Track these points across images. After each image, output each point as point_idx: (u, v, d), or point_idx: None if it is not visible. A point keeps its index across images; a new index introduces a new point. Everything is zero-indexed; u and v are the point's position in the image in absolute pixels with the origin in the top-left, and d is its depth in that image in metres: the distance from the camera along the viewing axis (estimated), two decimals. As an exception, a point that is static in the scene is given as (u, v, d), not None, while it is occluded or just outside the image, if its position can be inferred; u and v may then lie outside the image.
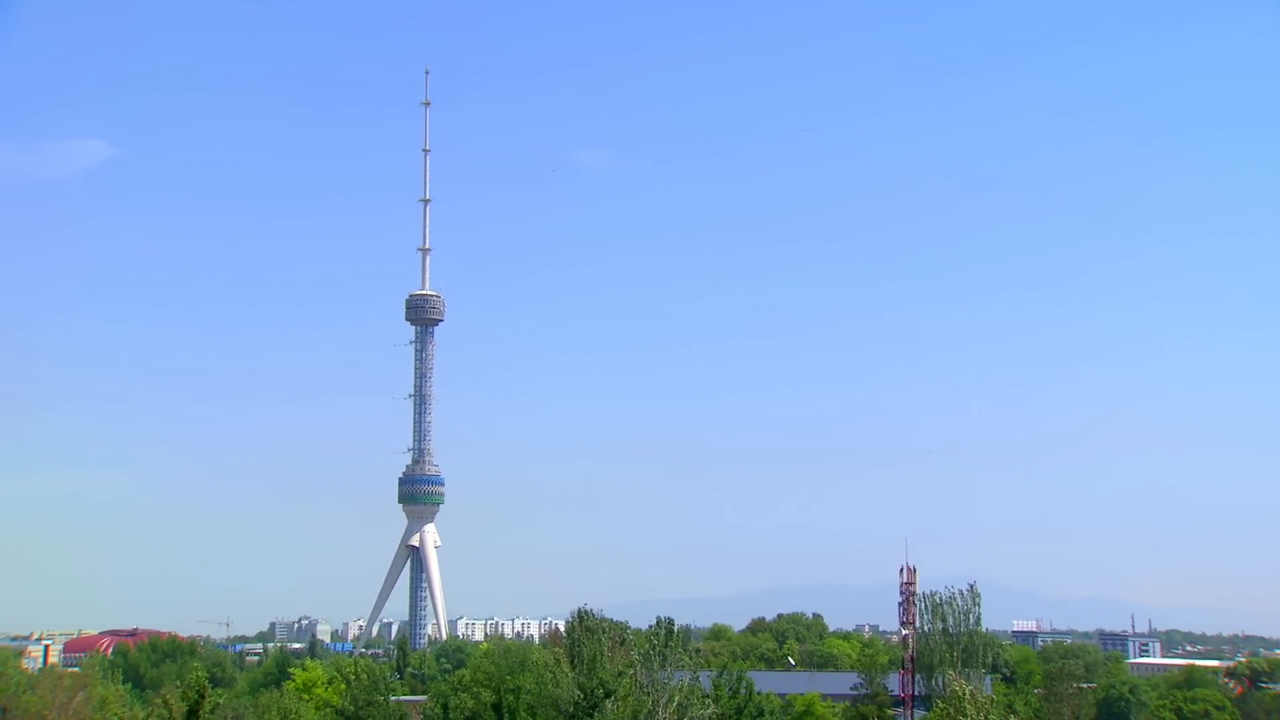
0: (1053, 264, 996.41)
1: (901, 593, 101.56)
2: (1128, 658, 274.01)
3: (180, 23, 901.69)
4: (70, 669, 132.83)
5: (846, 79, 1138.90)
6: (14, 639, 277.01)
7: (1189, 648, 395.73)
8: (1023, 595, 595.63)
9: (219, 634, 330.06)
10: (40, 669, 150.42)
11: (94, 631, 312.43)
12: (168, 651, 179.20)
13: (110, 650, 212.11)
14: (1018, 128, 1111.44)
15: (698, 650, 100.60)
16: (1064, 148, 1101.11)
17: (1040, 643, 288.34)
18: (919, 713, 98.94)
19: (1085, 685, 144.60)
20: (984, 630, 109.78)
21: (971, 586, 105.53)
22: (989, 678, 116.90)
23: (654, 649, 76.15)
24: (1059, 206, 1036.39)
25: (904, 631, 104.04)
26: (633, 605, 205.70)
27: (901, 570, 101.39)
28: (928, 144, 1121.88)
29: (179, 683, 68.78)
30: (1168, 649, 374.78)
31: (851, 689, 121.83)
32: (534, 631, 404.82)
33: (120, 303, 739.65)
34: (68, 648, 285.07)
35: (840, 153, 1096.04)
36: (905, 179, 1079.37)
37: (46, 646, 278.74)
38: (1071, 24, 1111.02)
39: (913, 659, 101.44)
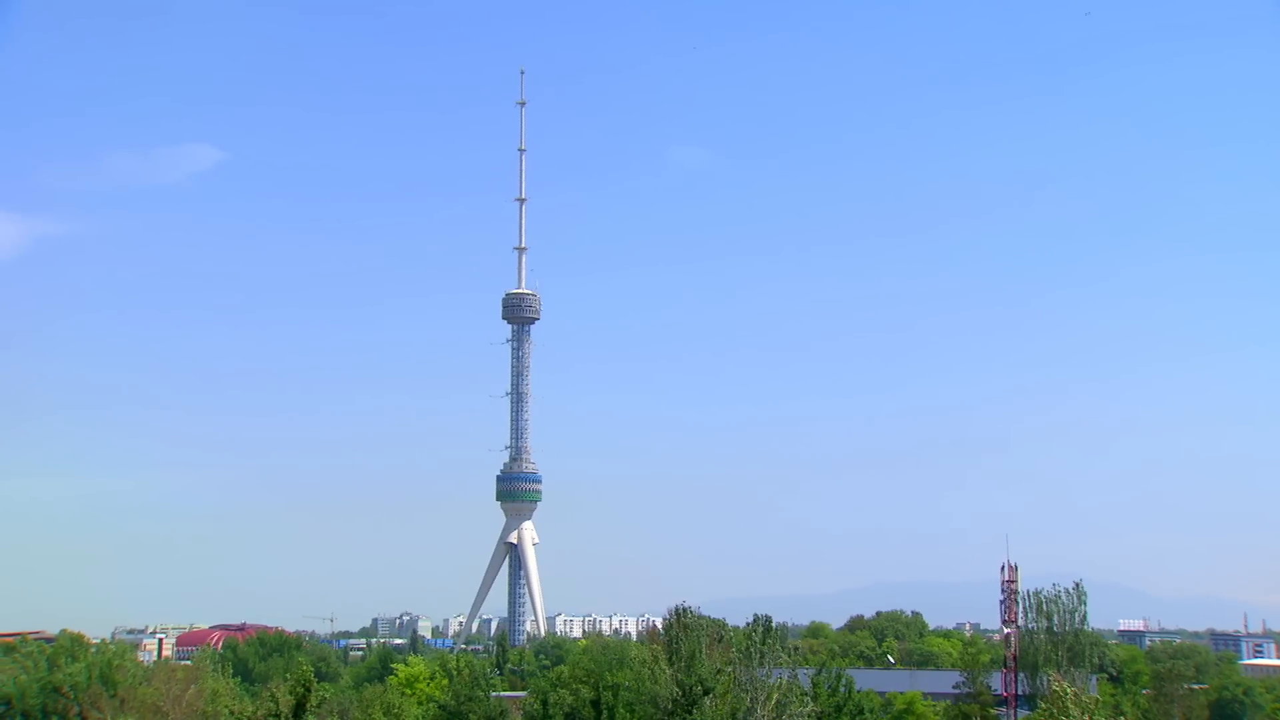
0: (1166, 249, 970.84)
1: (1003, 590, 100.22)
2: (1241, 659, 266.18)
3: (281, 30, 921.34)
4: (183, 662, 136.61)
5: (949, 72, 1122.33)
6: (130, 633, 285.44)
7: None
8: (1130, 594, 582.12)
9: (323, 629, 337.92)
10: (154, 662, 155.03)
11: (204, 626, 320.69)
12: (275, 646, 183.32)
13: (220, 644, 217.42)
14: (1106, 120, 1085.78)
15: (795, 648, 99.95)
16: (1152, 141, 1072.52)
17: (1148, 642, 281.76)
18: (1023, 712, 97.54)
19: (1196, 686, 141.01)
20: (1090, 629, 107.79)
21: (1077, 585, 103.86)
22: (1094, 677, 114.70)
23: (752, 646, 76.00)
24: (1161, 195, 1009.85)
25: (1006, 630, 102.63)
26: (729, 603, 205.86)
27: (1003, 568, 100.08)
28: (1017, 133, 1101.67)
29: (286, 676, 70.42)
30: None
31: (953, 687, 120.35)
32: (631, 629, 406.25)
33: (227, 305, 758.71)
34: (180, 641, 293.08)
35: (935, 146, 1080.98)
36: (1003, 170, 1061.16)
37: (160, 640, 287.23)
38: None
39: (1015, 658, 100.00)
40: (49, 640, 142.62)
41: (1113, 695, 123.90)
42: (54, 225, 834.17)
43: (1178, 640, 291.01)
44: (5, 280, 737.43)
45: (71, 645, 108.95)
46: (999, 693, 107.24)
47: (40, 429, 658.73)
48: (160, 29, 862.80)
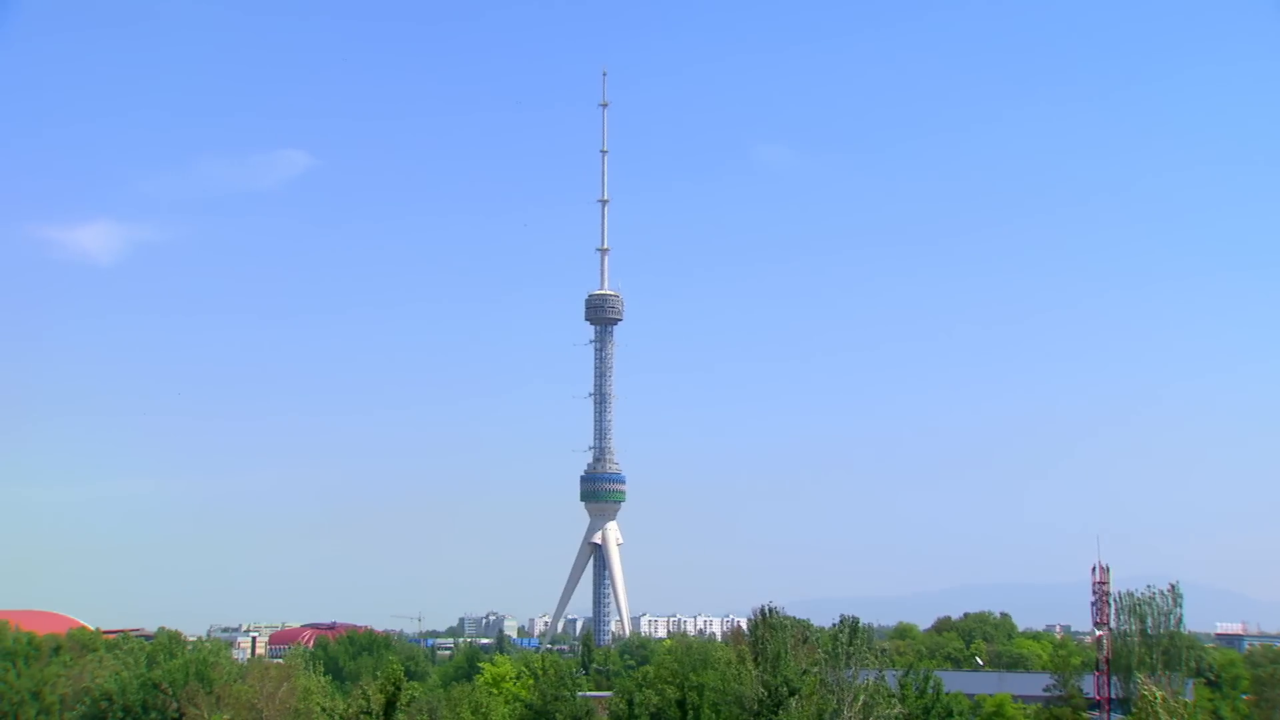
0: (1265, 242, 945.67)
1: (1094, 592, 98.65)
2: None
3: (369, 38, 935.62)
4: (275, 660, 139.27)
5: (1033, 69, 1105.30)
6: (224, 631, 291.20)
7: None
8: (1227, 596, 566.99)
9: (411, 629, 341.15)
10: (248, 660, 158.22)
11: (296, 624, 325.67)
12: (364, 645, 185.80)
13: (311, 643, 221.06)
14: (1199, 116, 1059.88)
15: (882, 649, 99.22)
16: (1241, 142, 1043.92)
17: (1246, 646, 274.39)
18: (1116, 716, 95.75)
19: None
20: (1186, 632, 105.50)
21: (1173, 587, 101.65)
22: (1190, 681, 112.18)
23: (838, 647, 75.56)
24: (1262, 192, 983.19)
25: (1098, 632, 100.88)
26: (815, 603, 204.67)
27: (1094, 569, 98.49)
28: (1108, 129, 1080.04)
29: (377, 675, 71.49)
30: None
31: (1043, 690, 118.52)
32: (716, 629, 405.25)
33: (319, 307, 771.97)
34: (272, 640, 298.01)
35: (1023, 141, 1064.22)
36: (1097, 166, 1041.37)
37: (254, 638, 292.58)
38: None
39: (1108, 660, 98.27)
40: (148, 637, 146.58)
41: (1210, 700, 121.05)
42: (152, 232, 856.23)
43: (1278, 644, 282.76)
44: (108, 286, 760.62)
45: (169, 643, 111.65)
46: (1091, 696, 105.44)
47: (142, 431, 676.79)
48: (254, 40, 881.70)
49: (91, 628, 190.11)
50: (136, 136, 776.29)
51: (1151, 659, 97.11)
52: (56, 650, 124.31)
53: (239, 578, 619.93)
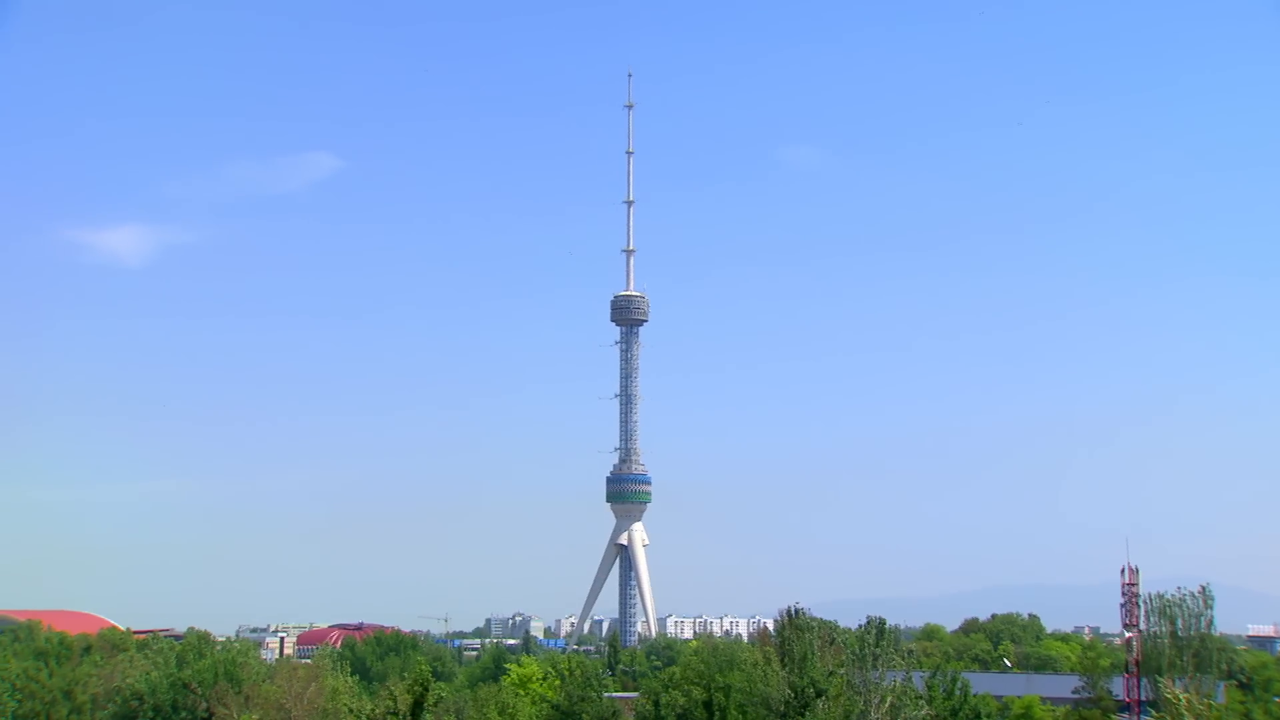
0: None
1: (1123, 594, 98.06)
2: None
3: (394, 40, 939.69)
4: (303, 660, 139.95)
5: (1063, 69, 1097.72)
6: (253, 631, 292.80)
7: None
8: (1259, 598, 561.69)
9: (438, 629, 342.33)
10: (276, 660, 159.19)
11: (323, 625, 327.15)
12: (391, 645, 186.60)
13: (339, 643, 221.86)
14: (1223, 118, 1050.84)
15: (909, 650, 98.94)
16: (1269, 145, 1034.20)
17: (1279, 648, 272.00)
18: (1145, 718, 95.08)
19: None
20: (1217, 634, 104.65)
21: (1203, 588, 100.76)
22: (1221, 684, 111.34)
23: (865, 648, 75.39)
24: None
25: (1127, 634, 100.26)
26: (841, 604, 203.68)
27: (1123, 570, 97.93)
28: (1136, 129, 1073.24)
29: (404, 675, 71.73)
30: None
31: (1072, 692, 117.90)
32: (742, 630, 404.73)
33: (343, 309, 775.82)
34: (300, 640, 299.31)
35: (1049, 142, 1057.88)
36: (1125, 167, 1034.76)
37: (282, 639, 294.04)
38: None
39: (1138, 662, 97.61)
40: (178, 637, 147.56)
41: (1242, 703, 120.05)
42: (181, 234, 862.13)
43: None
44: (137, 288, 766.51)
45: (199, 643, 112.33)
46: (1120, 698, 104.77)
47: (170, 432, 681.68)
48: (280, 42, 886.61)
49: (122, 628, 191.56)
50: (165, 140, 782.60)
51: (1182, 661, 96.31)
52: (87, 650, 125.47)
53: (267, 578, 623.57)
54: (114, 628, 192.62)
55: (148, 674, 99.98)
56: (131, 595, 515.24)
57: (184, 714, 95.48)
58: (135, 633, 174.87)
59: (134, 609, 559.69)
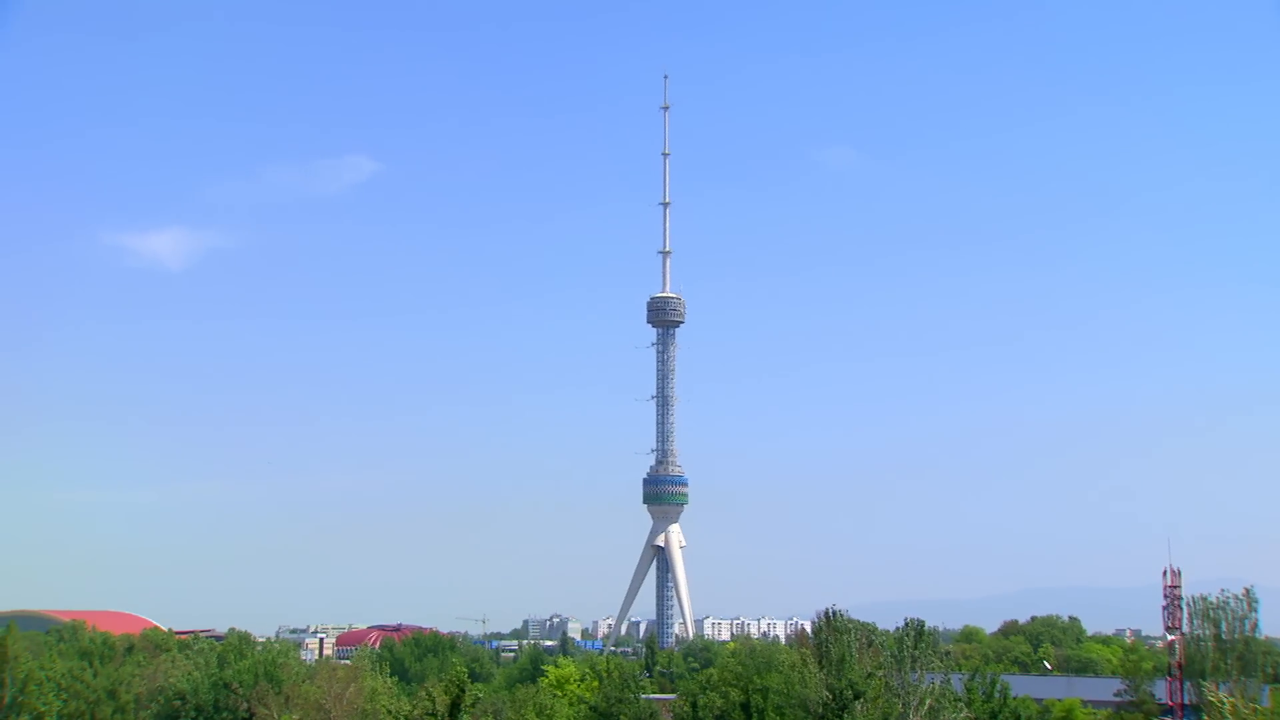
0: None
1: (1165, 596, 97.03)
2: None
3: (431, 44, 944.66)
4: (343, 661, 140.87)
5: (1101, 67, 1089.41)
6: (292, 632, 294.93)
7: None
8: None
9: (476, 630, 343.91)
10: (316, 660, 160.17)
11: (362, 626, 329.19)
12: (430, 646, 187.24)
13: (378, 644, 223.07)
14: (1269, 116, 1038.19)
15: (948, 653, 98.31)
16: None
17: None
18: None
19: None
20: (1261, 637, 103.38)
21: (1247, 590, 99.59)
22: (1266, 687, 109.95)
23: (904, 650, 74.95)
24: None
25: (1170, 637, 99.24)
26: (878, 606, 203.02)
27: (1165, 572, 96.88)
28: (1178, 130, 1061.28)
29: (442, 676, 72.00)
30: None
31: (1114, 695, 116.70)
32: (780, 632, 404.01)
33: (381, 310, 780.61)
34: (339, 641, 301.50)
35: (1089, 143, 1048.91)
36: (1167, 168, 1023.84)
37: (321, 640, 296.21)
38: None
39: (1180, 666, 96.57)
40: (219, 638, 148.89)
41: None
42: (222, 238, 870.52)
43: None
44: (179, 291, 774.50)
45: (239, 643, 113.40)
46: (1163, 702, 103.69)
47: (211, 435, 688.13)
48: (319, 48, 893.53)
49: (164, 628, 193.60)
50: (206, 144, 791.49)
51: (1226, 664, 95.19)
52: (130, 650, 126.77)
53: (307, 579, 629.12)
54: (156, 628, 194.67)
55: (190, 674, 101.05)
56: (174, 596, 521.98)
57: (225, 714, 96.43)
58: (177, 633, 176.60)
59: (176, 610, 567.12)
